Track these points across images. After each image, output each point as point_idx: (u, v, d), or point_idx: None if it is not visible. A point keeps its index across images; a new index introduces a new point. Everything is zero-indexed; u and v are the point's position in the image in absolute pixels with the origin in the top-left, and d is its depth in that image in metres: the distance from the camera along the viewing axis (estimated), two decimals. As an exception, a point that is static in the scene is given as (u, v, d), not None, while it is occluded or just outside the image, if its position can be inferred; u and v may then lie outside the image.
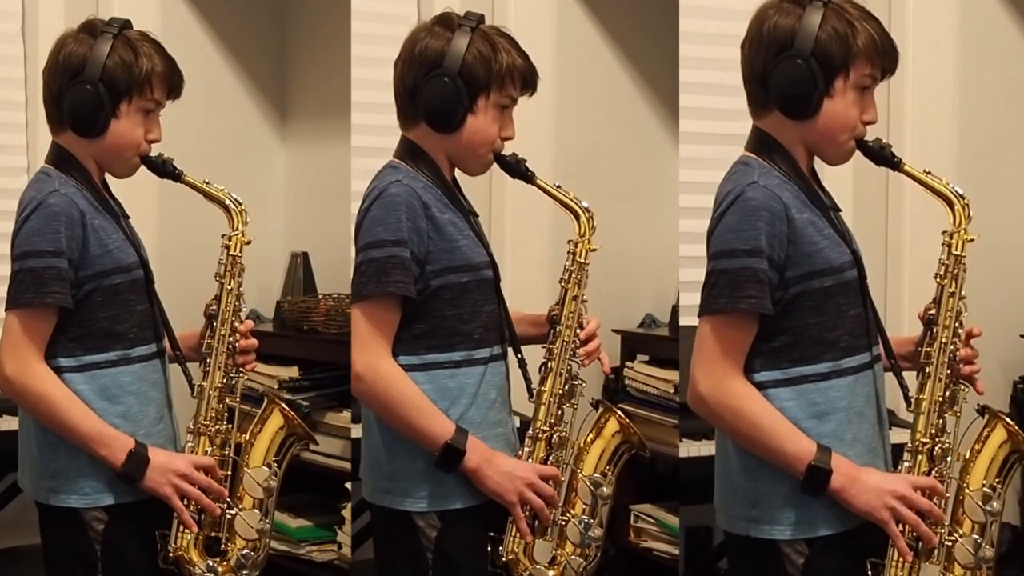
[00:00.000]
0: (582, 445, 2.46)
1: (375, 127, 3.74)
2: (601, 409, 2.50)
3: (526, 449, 2.40)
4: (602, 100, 4.04)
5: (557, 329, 2.44)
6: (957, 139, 3.73)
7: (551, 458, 2.41)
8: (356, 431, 3.49)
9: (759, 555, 2.20)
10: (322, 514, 3.78)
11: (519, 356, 2.46)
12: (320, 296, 4.02)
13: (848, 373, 2.19)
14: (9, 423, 3.45)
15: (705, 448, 3.36)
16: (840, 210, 2.27)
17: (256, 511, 2.43)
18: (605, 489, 2.44)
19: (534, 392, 2.43)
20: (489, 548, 2.37)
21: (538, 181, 2.44)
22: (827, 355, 2.17)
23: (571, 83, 3.92)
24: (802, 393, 2.17)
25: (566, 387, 2.42)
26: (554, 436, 2.41)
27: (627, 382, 3.74)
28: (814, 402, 2.17)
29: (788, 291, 2.15)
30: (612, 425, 2.48)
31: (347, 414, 3.62)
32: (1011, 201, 3.75)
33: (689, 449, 3.40)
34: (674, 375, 3.57)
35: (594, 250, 2.44)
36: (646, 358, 3.79)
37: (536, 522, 2.38)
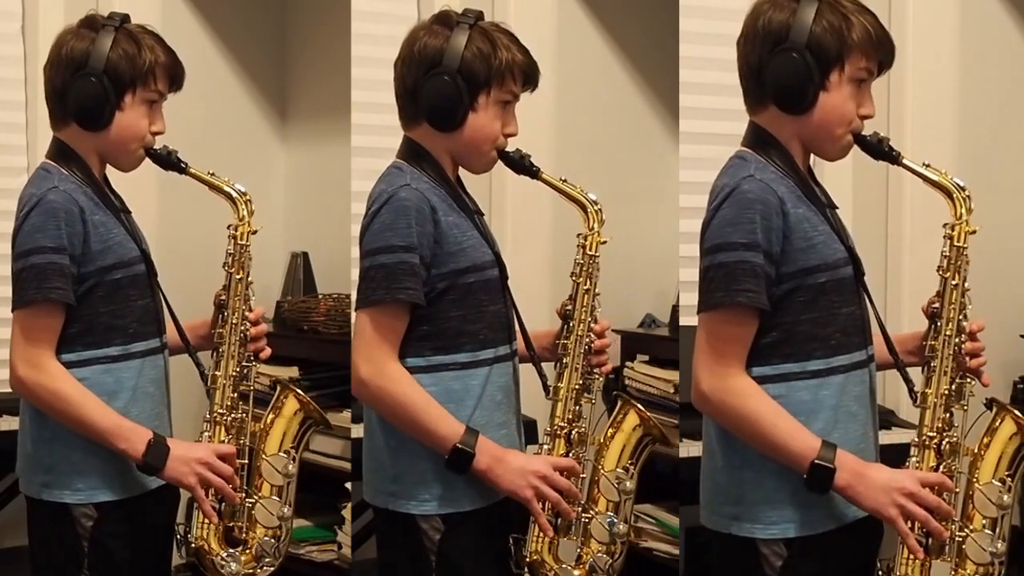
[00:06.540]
0: (602, 441, 2.44)
1: (375, 127, 3.74)
2: (620, 403, 2.48)
3: (544, 446, 2.39)
4: (602, 100, 4.04)
5: (571, 324, 2.42)
6: (957, 139, 3.72)
7: (571, 455, 2.38)
8: (356, 431, 3.49)
9: (739, 553, 2.20)
10: (322, 514, 3.78)
11: (532, 354, 2.45)
12: (320, 296, 4.02)
13: (839, 371, 2.17)
14: (9, 423, 3.45)
15: (705, 448, 3.36)
16: (837, 207, 2.26)
17: (276, 498, 2.44)
18: (628, 484, 2.43)
19: (550, 389, 2.42)
20: (512, 548, 2.35)
21: (544, 176, 2.43)
22: (818, 352, 2.16)
23: (571, 83, 3.91)
24: (791, 390, 2.15)
25: (582, 382, 2.41)
26: (572, 432, 2.39)
27: (627, 382, 3.73)
28: (802, 400, 2.15)
29: (781, 287, 2.14)
30: (632, 419, 2.46)
31: (347, 414, 3.61)
32: (1011, 201, 3.75)
33: (689, 449, 3.38)
34: (674, 375, 3.57)
35: (604, 242, 2.43)
36: (646, 358, 3.79)
37: (558, 519, 2.35)
